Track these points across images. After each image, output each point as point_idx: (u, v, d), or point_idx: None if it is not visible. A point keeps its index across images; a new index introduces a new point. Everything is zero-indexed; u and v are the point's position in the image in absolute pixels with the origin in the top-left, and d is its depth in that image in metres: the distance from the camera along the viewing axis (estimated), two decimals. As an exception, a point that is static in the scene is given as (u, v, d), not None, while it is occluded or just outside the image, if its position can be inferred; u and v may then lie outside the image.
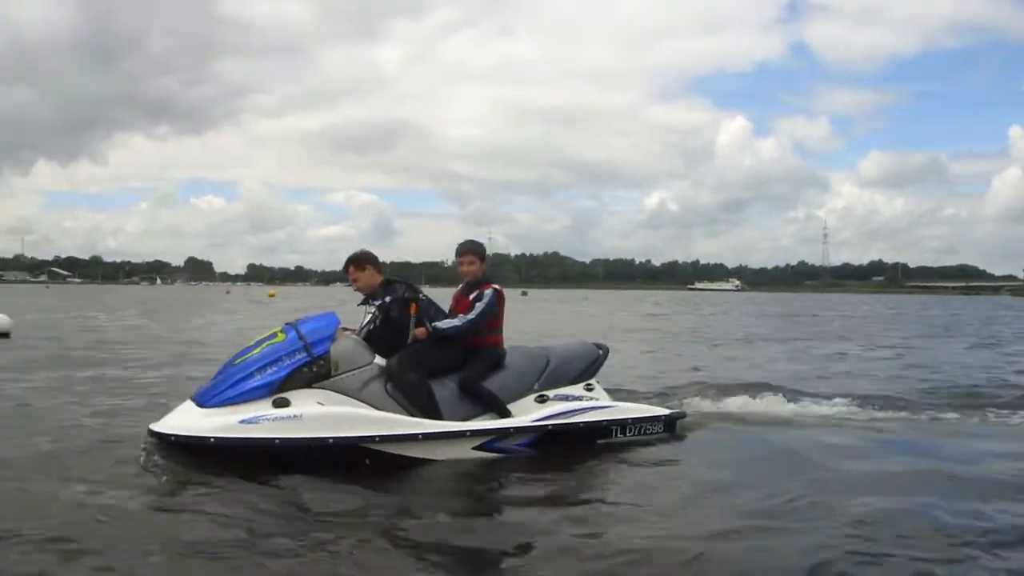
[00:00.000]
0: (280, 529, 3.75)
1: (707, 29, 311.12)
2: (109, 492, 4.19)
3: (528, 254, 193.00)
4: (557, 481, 4.81)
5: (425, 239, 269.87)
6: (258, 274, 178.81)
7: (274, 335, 5.11)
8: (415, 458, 4.91)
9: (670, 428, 5.83)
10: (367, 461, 4.82)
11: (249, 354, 5.03)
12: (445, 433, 5.04)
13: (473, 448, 5.11)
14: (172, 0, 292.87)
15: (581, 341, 6.21)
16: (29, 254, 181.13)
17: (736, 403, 7.16)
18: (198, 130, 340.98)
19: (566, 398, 5.55)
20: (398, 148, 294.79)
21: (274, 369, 4.87)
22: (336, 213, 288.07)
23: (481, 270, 5.56)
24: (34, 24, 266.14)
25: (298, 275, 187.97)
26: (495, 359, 5.45)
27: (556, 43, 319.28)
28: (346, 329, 5.32)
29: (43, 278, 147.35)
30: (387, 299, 5.38)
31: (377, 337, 5.33)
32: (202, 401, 4.86)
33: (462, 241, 5.66)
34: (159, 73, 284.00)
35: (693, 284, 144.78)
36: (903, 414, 7.02)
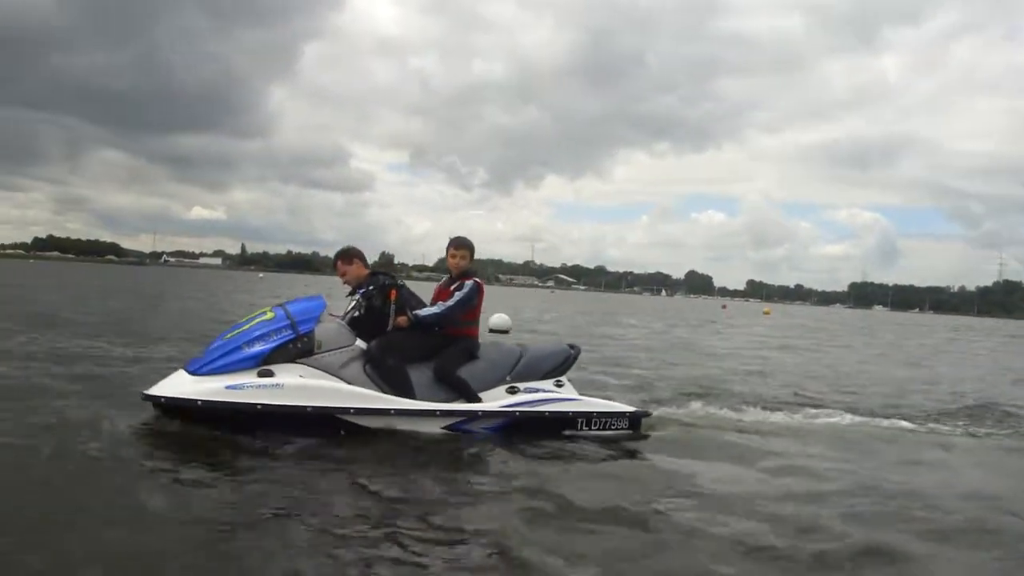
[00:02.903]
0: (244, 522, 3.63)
1: None
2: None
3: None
4: (525, 475, 4.76)
5: (930, 261, 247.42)
6: (756, 290, 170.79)
7: (263, 313, 5.52)
8: (389, 436, 5.25)
9: (635, 425, 6.10)
10: (342, 432, 5.17)
11: (239, 329, 5.43)
12: (416, 411, 5.38)
13: (442, 428, 5.45)
14: (670, 20, 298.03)
15: (556, 341, 6.54)
16: (538, 261, 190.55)
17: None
18: (699, 146, 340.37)
19: (535, 391, 5.88)
20: (901, 163, 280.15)
21: (261, 344, 5.26)
22: (838, 231, 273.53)
23: (468, 265, 5.96)
24: (541, 50, 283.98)
25: (797, 294, 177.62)
26: (469, 349, 5.82)
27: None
28: (332, 315, 5.72)
29: (550, 283, 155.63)
30: (370, 287, 5.79)
31: (361, 323, 5.71)
32: (193, 370, 5.25)
33: (454, 236, 6.02)
34: (659, 92, 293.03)
35: None
36: None
